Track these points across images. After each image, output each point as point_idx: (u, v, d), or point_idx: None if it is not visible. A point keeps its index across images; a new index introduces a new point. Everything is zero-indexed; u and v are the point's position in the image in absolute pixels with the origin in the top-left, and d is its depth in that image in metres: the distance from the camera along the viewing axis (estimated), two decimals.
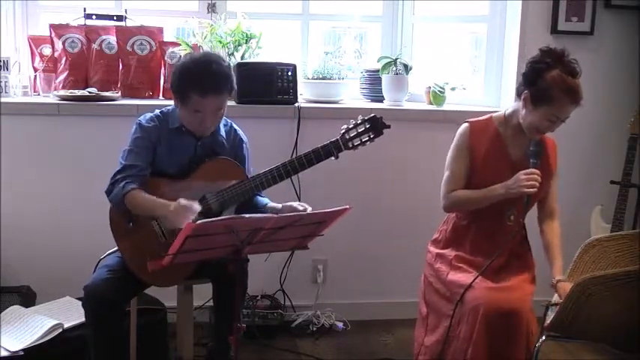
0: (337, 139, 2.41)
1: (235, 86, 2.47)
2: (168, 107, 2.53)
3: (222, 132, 2.54)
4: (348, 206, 2.04)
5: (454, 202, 2.46)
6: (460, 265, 2.43)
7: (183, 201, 2.20)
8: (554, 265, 2.43)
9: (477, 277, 2.31)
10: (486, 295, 2.25)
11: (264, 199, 2.57)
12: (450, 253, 2.49)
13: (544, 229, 2.53)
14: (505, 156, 2.45)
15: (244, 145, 2.61)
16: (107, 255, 2.48)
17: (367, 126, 2.41)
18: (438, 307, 2.42)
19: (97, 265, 2.45)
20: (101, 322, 2.29)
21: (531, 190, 2.29)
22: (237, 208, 2.44)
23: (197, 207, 2.21)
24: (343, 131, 2.42)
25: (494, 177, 2.40)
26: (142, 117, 2.48)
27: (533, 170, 2.32)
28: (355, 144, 2.41)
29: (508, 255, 2.44)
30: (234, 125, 2.61)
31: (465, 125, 2.49)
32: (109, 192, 2.37)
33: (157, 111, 2.51)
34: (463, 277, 2.36)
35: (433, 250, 2.57)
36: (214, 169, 2.45)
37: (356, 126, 2.42)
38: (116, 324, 2.33)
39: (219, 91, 2.35)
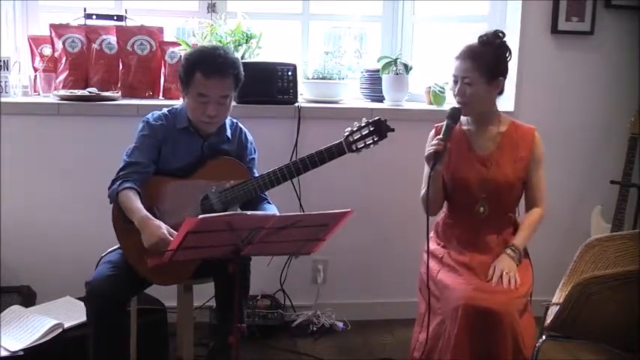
0: (341, 142, 2.39)
1: (242, 77, 2.45)
2: (176, 107, 2.53)
3: (229, 132, 2.54)
4: (349, 209, 2.00)
5: (422, 200, 2.52)
6: (449, 263, 2.46)
7: (164, 231, 2.19)
8: (516, 234, 2.48)
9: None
10: (467, 296, 2.27)
11: (270, 207, 2.53)
12: (440, 250, 2.53)
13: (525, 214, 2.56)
14: (471, 151, 2.50)
15: (250, 144, 2.60)
16: (109, 252, 2.47)
17: (371, 129, 2.40)
18: (431, 305, 2.43)
19: (99, 261, 2.44)
20: (103, 319, 2.27)
21: (431, 149, 2.35)
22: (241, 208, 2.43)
23: (168, 241, 2.14)
24: (347, 134, 2.40)
25: (464, 173, 2.46)
26: (149, 115, 2.48)
27: (439, 137, 2.38)
28: (359, 146, 2.40)
29: (495, 251, 2.46)
30: (240, 125, 2.61)
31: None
32: (109, 189, 2.38)
33: (165, 110, 2.51)
34: (449, 278, 2.39)
35: (426, 247, 2.59)
36: (218, 168, 2.45)
37: (360, 129, 2.40)
38: (118, 321, 2.31)
39: (223, 73, 2.35)
